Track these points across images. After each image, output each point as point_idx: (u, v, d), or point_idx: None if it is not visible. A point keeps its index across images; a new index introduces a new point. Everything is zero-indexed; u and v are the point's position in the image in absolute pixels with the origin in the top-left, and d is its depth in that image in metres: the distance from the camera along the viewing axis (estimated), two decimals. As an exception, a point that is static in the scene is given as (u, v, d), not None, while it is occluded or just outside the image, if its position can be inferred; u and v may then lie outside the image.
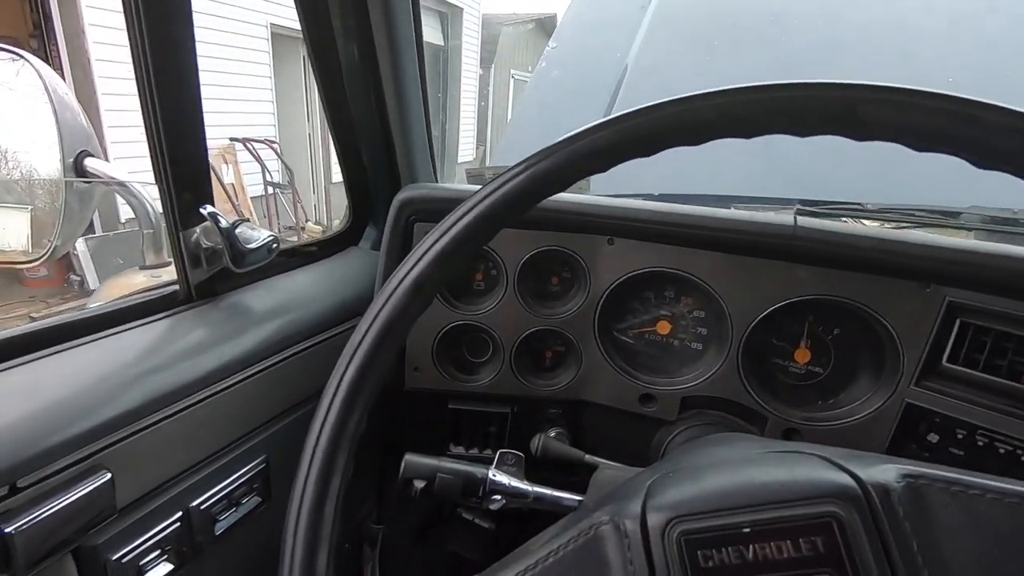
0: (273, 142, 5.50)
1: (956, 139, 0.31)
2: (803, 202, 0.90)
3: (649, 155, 0.39)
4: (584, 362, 0.79)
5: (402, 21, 0.74)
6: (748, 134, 0.36)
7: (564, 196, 0.73)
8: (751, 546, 0.30)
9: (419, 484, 0.46)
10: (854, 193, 0.94)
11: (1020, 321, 0.59)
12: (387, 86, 0.75)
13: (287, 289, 0.73)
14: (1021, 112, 0.29)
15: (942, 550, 0.29)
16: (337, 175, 7.15)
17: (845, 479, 0.31)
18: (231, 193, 5.06)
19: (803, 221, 0.61)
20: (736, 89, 0.35)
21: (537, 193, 0.39)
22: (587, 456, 0.61)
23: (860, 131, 0.33)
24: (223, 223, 0.60)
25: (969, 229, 0.83)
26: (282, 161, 5.54)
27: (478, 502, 0.47)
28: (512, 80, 12.45)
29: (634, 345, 0.80)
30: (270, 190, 5.40)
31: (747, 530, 0.30)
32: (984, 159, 0.31)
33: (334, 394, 0.35)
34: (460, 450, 0.89)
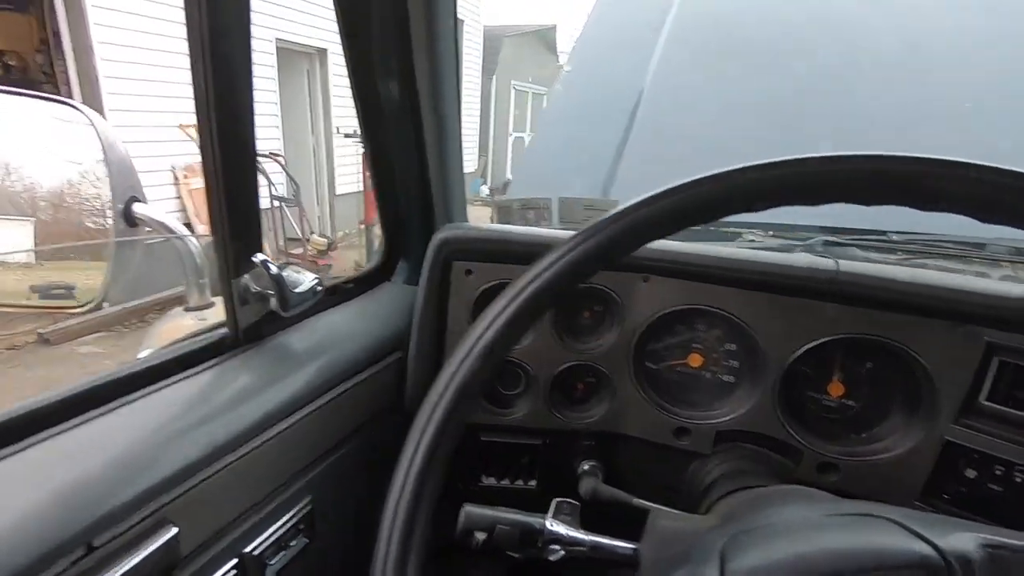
0: (278, 155, 5.53)
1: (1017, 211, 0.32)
2: (825, 230, 0.91)
3: (712, 221, 0.40)
4: (618, 395, 0.80)
5: (445, 54, 0.75)
6: (816, 202, 0.37)
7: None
8: None
9: (480, 536, 0.47)
10: (872, 221, 0.95)
11: None
12: (427, 122, 0.76)
13: (327, 328, 0.74)
14: None
15: None
16: (341, 187, 7.17)
17: (926, 549, 0.32)
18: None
19: (845, 265, 0.62)
20: (798, 160, 0.36)
21: (603, 259, 0.40)
22: (635, 500, 0.61)
23: (927, 204, 0.34)
24: (273, 270, 0.61)
25: (995, 260, 0.84)
26: (288, 174, 5.56)
27: (537, 552, 0.48)
28: (512, 90, 12.53)
29: (667, 378, 0.81)
30: (276, 203, 5.42)
31: None
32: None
33: (413, 454, 0.36)
34: (491, 481, 0.89)
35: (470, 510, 0.49)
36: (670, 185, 0.39)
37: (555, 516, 0.49)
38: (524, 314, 0.39)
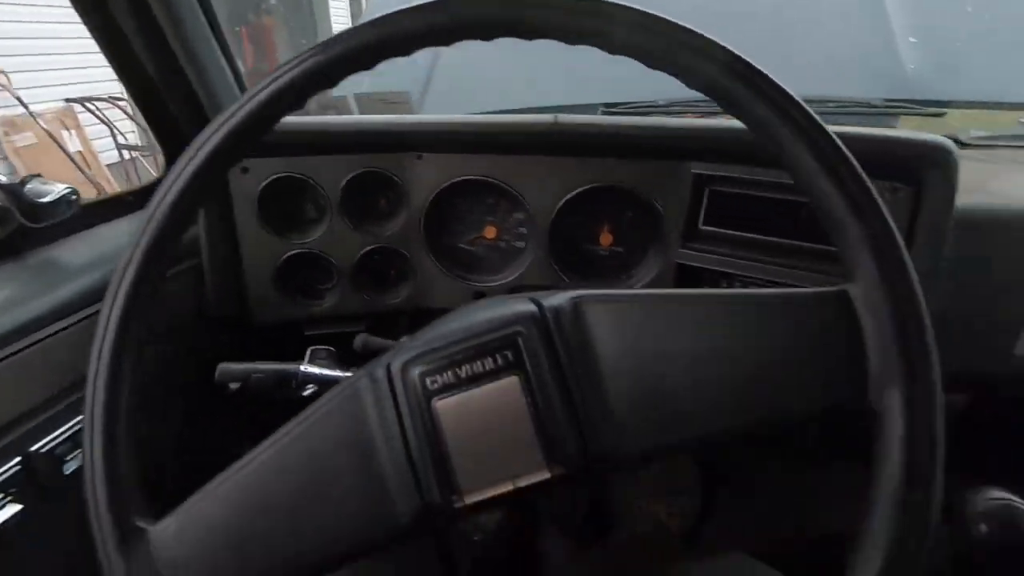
0: (119, 99, 4.91)
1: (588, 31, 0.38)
2: (607, 104, 0.99)
3: (368, 68, 0.44)
4: (420, 273, 0.86)
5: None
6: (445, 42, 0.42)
7: (368, 117, 0.77)
8: (464, 366, 0.39)
9: (234, 386, 0.52)
10: (652, 93, 1.04)
11: (749, 183, 0.72)
12: (163, 21, 0.73)
13: (103, 241, 0.74)
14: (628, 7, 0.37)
15: (592, 343, 0.39)
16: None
17: (531, 307, 0.40)
18: (80, 163, 4.53)
19: (562, 118, 0.69)
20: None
21: (278, 110, 0.43)
22: (404, 338, 0.69)
23: (524, 32, 0.40)
24: (3, 180, 0.59)
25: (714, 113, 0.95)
26: (135, 120, 4.98)
27: (293, 392, 0.54)
28: (386, 8, 11.60)
29: (467, 251, 0.88)
30: (127, 155, 4.88)
31: (459, 356, 0.39)
32: (613, 47, 0.39)
33: (111, 309, 0.40)
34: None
35: (223, 366, 0.54)
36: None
37: (310, 362, 0.55)
38: (207, 165, 0.42)
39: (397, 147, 0.77)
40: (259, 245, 0.82)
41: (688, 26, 0.37)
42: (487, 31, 0.40)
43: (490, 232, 0.87)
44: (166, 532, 0.38)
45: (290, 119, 0.79)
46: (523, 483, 0.37)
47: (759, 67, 0.36)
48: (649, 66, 0.39)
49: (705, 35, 0.37)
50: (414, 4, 0.40)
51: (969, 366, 0.70)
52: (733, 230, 0.75)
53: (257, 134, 0.43)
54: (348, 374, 0.57)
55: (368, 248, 0.84)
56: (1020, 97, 1.03)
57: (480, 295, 0.86)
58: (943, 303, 0.65)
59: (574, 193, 0.76)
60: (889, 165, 0.62)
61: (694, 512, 1.29)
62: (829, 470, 0.90)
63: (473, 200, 0.85)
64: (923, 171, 0.60)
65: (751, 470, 1.31)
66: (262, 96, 0.42)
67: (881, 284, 0.33)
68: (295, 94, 0.43)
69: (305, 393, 0.54)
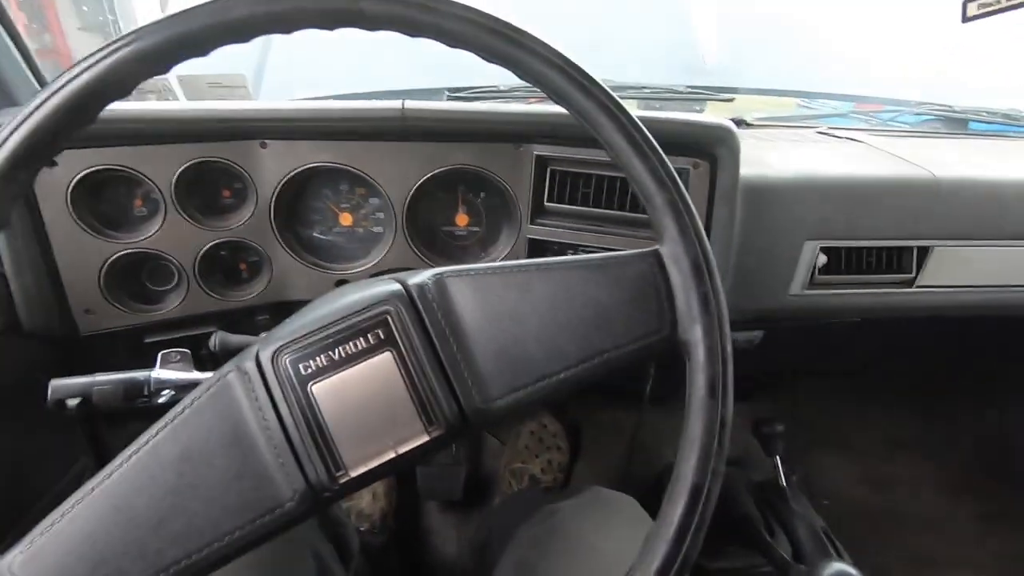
0: None
1: (428, 28, 0.41)
2: (451, 89, 1.03)
3: (203, 54, 0.42)
4: (275, 266, 0.83)
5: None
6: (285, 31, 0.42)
7: (203, 104, 0.72)
8: (336, 349, 0.40)
9: (73, 402, 0.47)
10: (494, 78, 1.10)
11: (585, 162, 0.80)
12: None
13: None
14: (464, 4, 0.40)
15: (456, 313, 0.42)
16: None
17: (396, 287, 0.43)
18: None
19: (410, 104, 0.72)
20: None
21: (95, 102, 0.40)
22: (263, 334, 0.67)
23: (365, 24, 0.41)
24: None
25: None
26: None
27: (147, 401, 0.50)
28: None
29: (322, 240, 0.87)
30: None
31: (331, 340, 0.41)
32: (451, 42, 0.42)
33: None
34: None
35: (55, 382, 0.49)
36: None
37: (162, 366, 0.52)
38: (10, 168, 0.38)
39: (238, 135, 0.73)
40: (77, 247, 0.73)
41: (519, 26, 0.42)
42: (329, 21, 0.41)
43: (346, 219, 0.86)
44: (13, 564, 0.35)
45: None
46: (404, 448, 0.40)
47: (577, 63, 0.42)
48: (486, 60, 0.43)
49: (535, 35, 0.42)
50: None
51: (759, 305, 0.87)
52: (574, 204, 0.83)
53: (71, 131, 0.40)
54: (208, 375, 0.54)
55: (212, 243, 0.79)
56: (797, 86, 1.26)
57: (342, 282, 0.86)
58: (737, 257, 0.80)
59: (426, 177, 0.79)
60: (690, 144, 0.74)
61: (563, 466, 1.43)
62: (666, 410, 1.05)
63: (325, 187, 0.84)
64: (715, 148, 0.73)
65: (606, 421, 1.47)
66: (78, 83, 0.39)
67: (680, 241, 0.41)
68: (119, 82, 0.40)
69: (161, 400, 0.50)
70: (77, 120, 0.40)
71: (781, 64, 1.34)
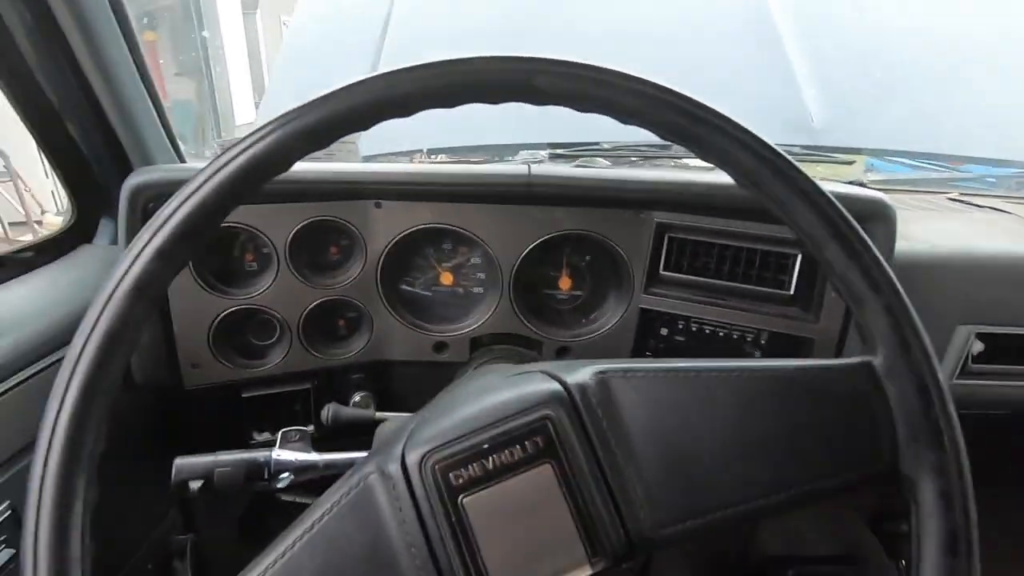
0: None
1: (600, 102, 0.38)
2: (552, 144, 1.01)
3: (365, 128, 0.41)
4: (375, 324, 0.81)
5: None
6: (448, 105, 0.40)
7: (324, 166, 0.72)
8: (490, 457, 0.36)
9: (195, 485, 0.45)
10: (595, 134, 1.08)
11: (707, 231, 0.75)
12: (81, 55, 0.64)
13: (1, 305, 0.62)
14: (638, 77, 0.37)
15: (622, 420, 0.37)
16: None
17: (555, 386, 0.38)
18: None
19: (536, 169, 0.69)
20: (429, 64, 0.38)
21: (258, 177, 0.38)
22: (377, 414, 0.64)
23: (535, 99, 0.38)
24: None
25: (679, 158, 1.01)
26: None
27: (266, 485, 0.47)
28: (283, 27, 11.25)
29: (423, 299, 0.84)
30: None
31: (486, 446, 0.36)
32: (622, 116, 0.38)
33: (56, 417, 0.32)
34: (266, 435, 0.86)
35: (180, 461, 0.46)
36: (320, 95, 0.39)
37: (281, 446, 0.49)
38: (175, 242, 0.36)
39: (355, 195, 0.73)
40: (192, 302, 0.73)
41: (697, 99, 0.38)
42: (497, 96, 0.38)
43: (447, 278, 0.84)
44: None
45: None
46: None
47: (767, 140, 0.38)
48: (660, 136, 0.39)
49: (716, 110, 0.37)
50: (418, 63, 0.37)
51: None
52: (692, 275, 0.78)
53: (232, 206, 0.38)
54: (328, 457, 0.51)
55: (319, 301, 0.78)
56: (917, 146, 1.18)
57: (441, 345, 0.83)
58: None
59: (541, 240, 0.76)
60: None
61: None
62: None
63: (429, 246, 0.82)
64: (867, 224, 0.66)
65: None
66: (241, 161, 0.37)
67: (902, 355, 0.35)
68: (280, 160, 0.39)
69: (280, 484, 0.47)
70: (238, 196, 0.38)
71: (897, 124, 1.25)
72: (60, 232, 0.75)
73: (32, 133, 0.69)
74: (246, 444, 0.85)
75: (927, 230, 0.80)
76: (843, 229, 0.36)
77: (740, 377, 0.37)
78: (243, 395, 0.82)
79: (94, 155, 0.72)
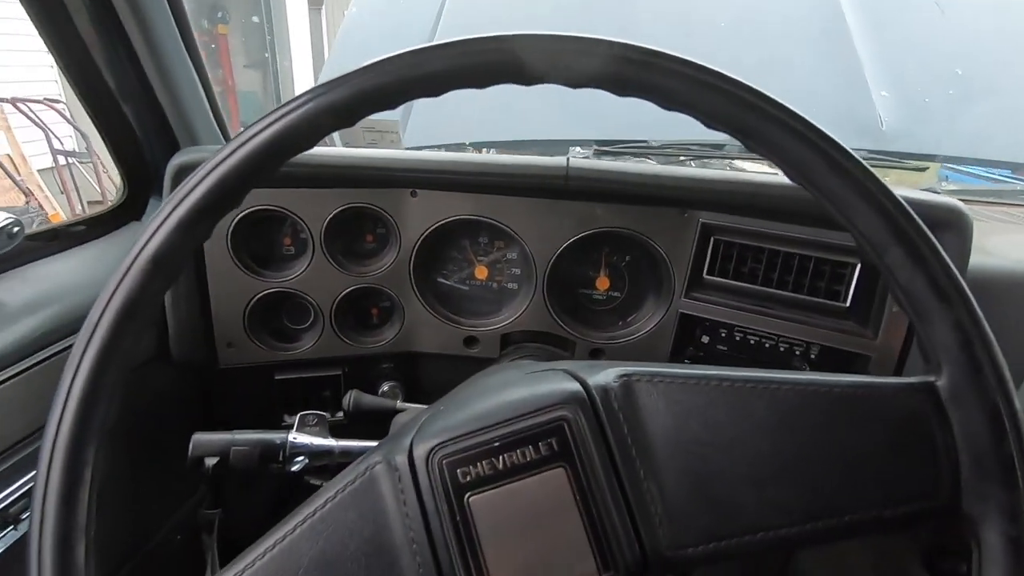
0: (56, 101, 4.60)
1: (640, 85, 0.35)
2: (598, 142, 0.97)
3: (393, 107, 0.39)
4: (407, 315, 0.80)
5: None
6: (480, 85, 0.38)
7: (362, 151, 0.72)
8: (501, 456, 0.34)
9: (211, 461, 0.45)
10: (645, 132, 1.04)
11: (756, 235, 0.71)
12: (134, 36, 0.66)
13: (50, 277, 0.64)
14: (680, 57, 0.34)
15: (645, 429, 0.35)
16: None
17: (575, 386, 0.36)
18: (7, 166, 4.19)
19: (575, 162, 0.66)
20: (464, 41, 0.36)
21: (281, 153, 0.37)
22: (399, 403, 0.63)
23: (573, 81, 0.36)
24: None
25: (731, 158, 0.96)
26: (72, 124, 4.67)
27: (280, 467, 0.47)
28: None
29: (456, 292, 0.83)
30: (61, 160, 4.55)
31: (497, 444, 0.34)
32: (664, 102, 0.35)
33: (71, 382, 0.33)
34: (293, 420, 0.87)
35: (199, 437, 0.47)
36: (349, 71, 0.38)
37: (299, 429, 0.48)
38: (195, 219, 0.36)
39: (392, 183, 0.72)
40: (229, 283, 0.75)
41: (753, 86, 0.34)
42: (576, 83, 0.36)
43: (481, 272, 0.83)
44: None
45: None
46: None
47: (829, 133, 0.34)
48: (705, 125, 0.36)
49: (771, 96, 0.34)
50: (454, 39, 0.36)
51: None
52: (737, 280, 0.73)
53: (256, 180, 0.37)
54: (344, 443, 0.51)
55: (352, 288, 0.78)
56: (985, 154, 1.08)
57: (471, 339, 0.81)
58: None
59: (578, 237, 0.73)
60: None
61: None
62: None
63: (464, 238, 0.81)
64: (937, 232, 0.60)
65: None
66: (266, 135, 0.36)
67: (971, 378, 0.31)
68: (306, 135, 0.38)
69: (294, 468, 0.47)
70: (262, 170, 0.37)
71: (975, 131, 1.15)
72: (112, 209, 0.77)
73: (89, 114, 0.72)
74: (277, 426, 0.86)
75: (1007, 243, 0.72)
76: (908, 231, 0.32)
77: (780, 390, 0.34)
78: (276, 377, 0.83)
79: (145, 136, 0.74)
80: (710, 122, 0.35)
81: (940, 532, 0.74)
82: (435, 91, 0.38)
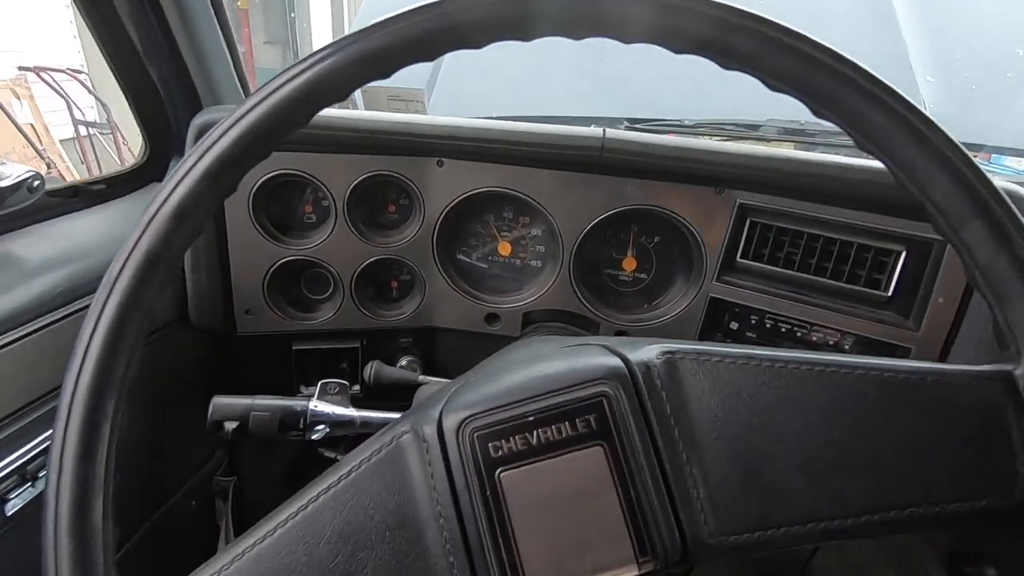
0: (78, 72, 4.62)
1: (698, 40, 0.32)
2: (631, 120, 0.94)
3: (431, 59, 0.37)
4: (428, 289, 0.79)
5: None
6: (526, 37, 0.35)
7: (389, 116, 0.70)
8: (535, 431, 0.32)
9: (230, 425, 0.44)
10: (678, 111, 1.00)
11: (795, 217, 0.68)
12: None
13: (69, 235, 0.63)
14: (742, 9, 0.31)
15: (689, 409, 0.33)
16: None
17: (615, 361, 0.34)
18: (30, 135, 4.22)
19: (611, 134, 0.63)
20: None
21: (312, 103, 0.35)
22: (420, 376, 0.62)
23: (624, 35, 0.33)
24: (-48, 156, 0.49)
25: (767, 140, 0.92)
26: (94, 95, 4.69)
27: (300, 435, 0.46)
28: None
29: (478, 268, 0.81)
30: (83, 130, 4.58)
31: (531, 418, 0.32)
32: (723, 59, 0.32)
33: (91, 335, 0.31)
34: (312, 391, 0.86)
35: (218, 400, 0.45)
36: (383, 18, 0.35)
37: (320, 397, 0.47)
38: (220, 170, 0.34)
39: (418, 151, 0.70)
40: (249, 250, 0.73)
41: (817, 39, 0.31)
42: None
43: (504, 248, 0.80)
44: None
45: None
46: None
47: (903, 94, 0.31)
48: (769, 87, 0.33)
49: (837, 51, 0.31)
50: None
51: None
52: (772, 265, 0.70)
53: (283, 134, 0.35)
54: (365, 413, 0.49)
55: (373, 259, 0.76)
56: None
57: (493, 316, 0.79)
58: None
59: (609, 214, 0.70)
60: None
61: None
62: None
63: (489, 213, 0.78)
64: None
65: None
66: (296, 84, 0.34)
67: None
68: (338, 85, 0.35)
69: (314, 436, 0.46)
70: (292, 121, 0.35)
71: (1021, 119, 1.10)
72: (134, 168, 0.76)
73: (114, 71, 0.70)
74: (293, 395, 0.85)
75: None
76: (992, 206, 0.30)
77: (838, 373, 0.31)
78: (294, 347, 0.82)
79: (168, 95, 0.73)
80: (772, 82, 0.32)
81: (972, 533, 0.71)
82: (478, 42, 0.35)
